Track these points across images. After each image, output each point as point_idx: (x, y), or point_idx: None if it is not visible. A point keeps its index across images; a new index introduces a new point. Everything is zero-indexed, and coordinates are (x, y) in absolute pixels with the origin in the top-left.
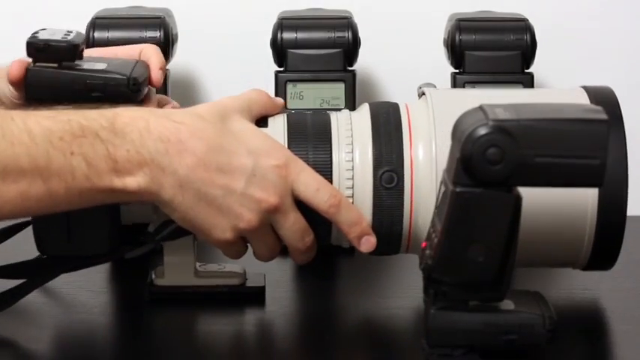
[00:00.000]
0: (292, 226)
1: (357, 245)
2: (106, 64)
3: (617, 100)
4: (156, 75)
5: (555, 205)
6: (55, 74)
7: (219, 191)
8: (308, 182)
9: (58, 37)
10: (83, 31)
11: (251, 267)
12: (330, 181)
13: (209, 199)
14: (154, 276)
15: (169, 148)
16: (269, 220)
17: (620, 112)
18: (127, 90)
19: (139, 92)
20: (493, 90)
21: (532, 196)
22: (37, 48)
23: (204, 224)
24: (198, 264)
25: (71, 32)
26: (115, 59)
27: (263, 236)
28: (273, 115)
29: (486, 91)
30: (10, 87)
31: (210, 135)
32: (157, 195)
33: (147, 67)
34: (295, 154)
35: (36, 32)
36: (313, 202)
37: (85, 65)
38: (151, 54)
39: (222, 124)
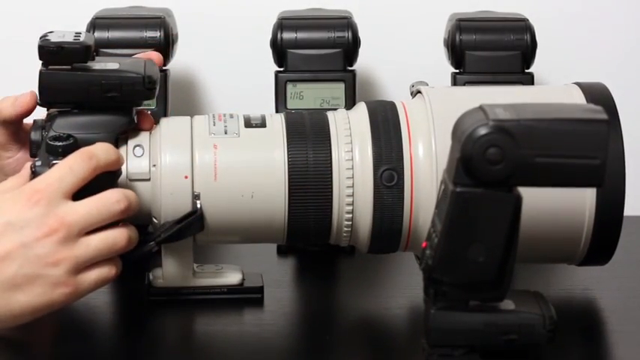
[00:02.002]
0: (96, 251)
1: None
2: (117, 64)
3: (611, 95)
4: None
5: (554, 200)
6: (69, 77)
7: (13, 268)
8: (85, 218)
9: (69, 39)
10: (83, 31)
11: (248, 267)
12: (331, 179)
13: (15, 282)
14: (152, 277)
15: None
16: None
17: (615, 107)
18: (143, 88)
19: (154, 90)
20: (489, 87)
21: (531, 192)
22: (50, 51)
23: (38, 303)
24: (195, 265)
25: (80, 34)
26: (125, 59)
27: (86, 271)
28: (271, 116)
29: (482, 88)
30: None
31: None
32: None
33: (156, 65)
34: (295, 154)
35: (44, 35)
36: (109, 219)
37: (97, 66)
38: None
39: None
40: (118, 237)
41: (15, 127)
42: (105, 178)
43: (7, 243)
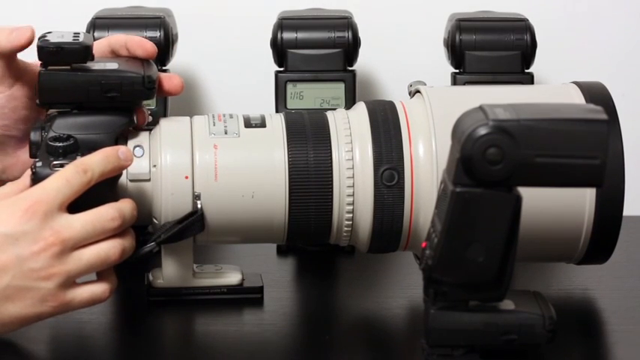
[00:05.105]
0: (88, 265)
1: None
2: (117, 64)
3: (609, 95)
4: (149, 46)
5: (554, 200)
6: (69, 77)
7: (6, 279)
8: (80, 233)
9: (69, 39)
10: (82, 31)
11: (248, 267)
12: (331, 179)
13: (6, 294)
14: (152, 277)
15: None
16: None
17: (614, 106)
18: (143, 88)
19: (153, 89)
20: (488, 87)
21: (531, 191)
22: (49, 51)
23: (26, 314)
24: (195, 265)
25: (79, 34)
26: (123, 58)
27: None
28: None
29: (481, 88)
30: None
31: None
32: None
33: (154, 65)
34: (295, 154)
35: (44, 35)
36: (102, 235)
37: (97, 66)
38: (132, 41)
39: None
40: (110, 250)
41: (8, 60)
42: (102, 182)
43: (3, 255)
